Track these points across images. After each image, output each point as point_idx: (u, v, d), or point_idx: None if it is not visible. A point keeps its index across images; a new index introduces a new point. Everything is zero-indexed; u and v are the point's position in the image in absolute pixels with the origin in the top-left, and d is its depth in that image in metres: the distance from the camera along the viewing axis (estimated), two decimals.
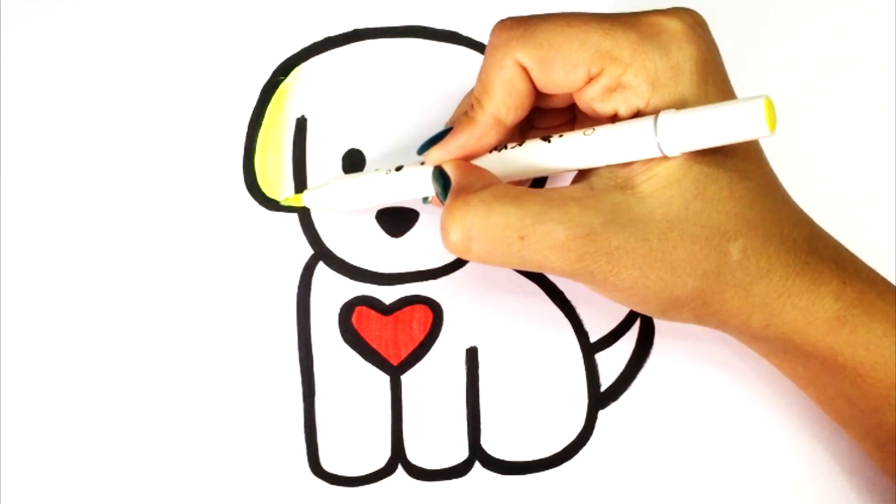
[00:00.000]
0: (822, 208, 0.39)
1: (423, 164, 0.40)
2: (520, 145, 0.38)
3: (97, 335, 0.43)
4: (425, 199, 0.42)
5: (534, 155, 0.37)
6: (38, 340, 0.43)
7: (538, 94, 0.37)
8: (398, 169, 0.41)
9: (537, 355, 0.44)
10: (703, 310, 0.37)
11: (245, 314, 0.44)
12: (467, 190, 0.36)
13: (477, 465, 0.43)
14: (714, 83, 0.36)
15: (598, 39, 0.35)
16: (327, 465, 0.43)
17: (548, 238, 0.35)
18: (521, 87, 0.37)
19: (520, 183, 0.41)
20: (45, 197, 0.44)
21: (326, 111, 0.45)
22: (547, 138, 0.37)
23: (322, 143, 0.44)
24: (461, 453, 0.43)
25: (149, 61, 0.45)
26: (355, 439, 0.43)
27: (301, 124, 0.45)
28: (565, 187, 0.36)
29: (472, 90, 0.38)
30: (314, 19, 0.45)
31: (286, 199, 0.44)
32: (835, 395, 0.39)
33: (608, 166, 0.36)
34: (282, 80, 0.45)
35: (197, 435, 0.43)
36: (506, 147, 0.38)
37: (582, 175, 0.37)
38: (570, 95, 0.38)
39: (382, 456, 0.43)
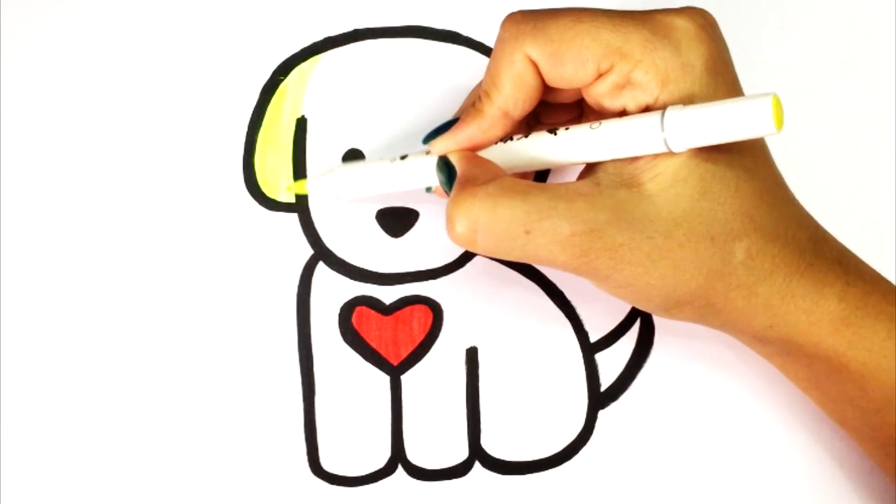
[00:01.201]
0: (823, 208, 0.39)
1: (427, 153, 0.40)
2: (525, 137, 0.38)
3: (97, 335, 0.43)
4: (428, 189, 0.42)
5: (539, 147, 0.37)
6: (39, 340, 0.43)
7: (546, 88, 0.37)
8: (402, 157, 0.41)
9: (537, 355, 0.44)
10: (706, 309, 0.37)
11: (245, 314, 0.44)
12: (473, 182, 0.36)
13: (477, 465, 0.43)
14: (724, 82, 0.36)
15: (609, 35, 0.35)
16: (327, 465, 0.43)
17: (553, 233, 0.35)
18: (530, 80, 0.37)
19: (524, 175, 0.41)
20: (45, 197, 0.44)
21: (326, 111, 0.45)
22: (553, 130, 0.37)
23: (322, 143, 0.44)
24: (461, 453, 0.43)
25: (149, 61, 0.45)
26: (355, 439, 0.43)
27: (301, 124, 0.45)
28: (571, 183, 0.36)
29: (480, 83, 0.38)
30: (314, 19, 0.45)
31: (290, 187, 0.44)
32: (837, 396, 0.39)
33: (614, 163, 0.36)
34: (282, 80, 0.45)
35: (197, 435, 0.43)
36: (511, 139, 0.38)
37: (587, 171, 0.37)
38: (579, 91, 0.38)
39: (382, 456, 0.43)
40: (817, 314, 0.37)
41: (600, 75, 0.36)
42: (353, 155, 0.44)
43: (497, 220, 0.35)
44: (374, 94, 0.45)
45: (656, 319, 0.44)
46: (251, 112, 0.45)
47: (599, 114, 0.37)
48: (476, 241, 0.36)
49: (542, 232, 0.35)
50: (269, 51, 0.45)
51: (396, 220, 0.44)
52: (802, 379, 0.40)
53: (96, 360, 0.43)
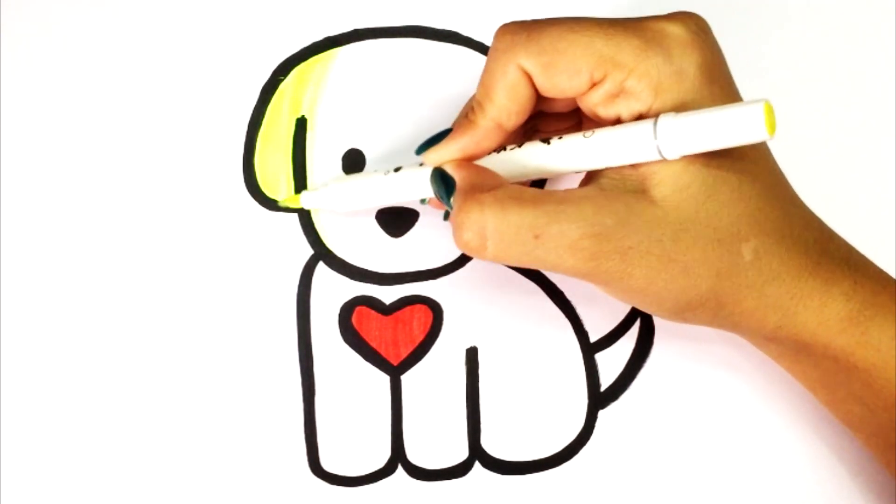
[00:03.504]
0: (823, 209, 0.39)
1: (421, 164, 0.40)
2: (519, 147, 0.38)
3: (97, 335, 0.43)
4: (423, 201, 0.42)
5: (533, 156, 0.37)
6: (39, 340, 0.43)
7: (541, 98, 0.37)
8: (397, 170, 0.41)
9: (537, 355, 0.44)
10: (718, 311, 0.37)
11: (245, 314, 0.44)
12: (478, 189, 0.36)
13: (477, 465, 0.43)
14: (719, 88, 0.36)
15: (602, 45, 0.35)
16: (327, 465, 0.43)
17: (562, 237, 0.35)
18: (524, 91, 0.37)
19: (521, 185, 0.41)
20: (45, 197, 0.44)
21: (326, 111, 0.45)
22: (547, 140, 0.37)
23: (322, 143, 0.44)
24: (461, 453, 0.43)
25: (149, 61, 0.45)
26: (355, 439, 0.43)
27: (301, 124, 0.45)
28: (576, 189, 0.36)
29: (475, 94, 0.38)
30: (314, 19, 0.45)
31: (284, 201, 0.44)
32: (845, 395, 0.39)
33: (616, 170, 0.36)
34: (282, 80, 0.45)
35: (197, 435, 0.43)
36: (505, 149, 0.38)
37: (589, 178, 0.37)
38: (574, 100, 0.38)
39: (382, 456, 0.43)
40: (826, 313, 0.37)
41: (594, 84, 0.36)
42: (354, 155, 0.44)
43: (507, 226, 0.35)
44: (374, 93, 0.45)
45: (656, 319, 0.44)
46: (251, 112, 0.45)
47: (596, 122, 0.37)
48: (486, 247, 0.36)
49: (552, 236, 0.35)
50: (269, 51, 0.45)
51: (396, 220, 0.44)
52: (810, 378, 0.40)
53: (96, 360, 0.43)
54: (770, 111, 0.33)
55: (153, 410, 0.43)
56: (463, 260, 0.44)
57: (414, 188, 0.40)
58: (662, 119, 0.34)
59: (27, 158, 0.44)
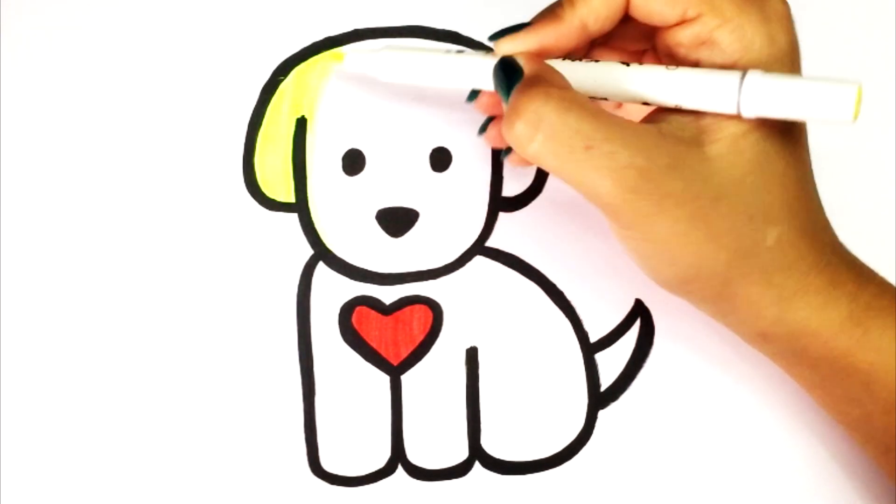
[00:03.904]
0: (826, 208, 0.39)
1: (486, 53, 0.38)
2: (595, 61, 0.37)
3: (97, 335, 0.43)
4: (472, 95, 0.41)
5: (608, 74, 0.36)
6: (39, 340, 0.43)
7: (623, 22, 0.37)
8: (459, 52, 0.39)
9: (537, 355, 0.44)
10: (722, 290, 0.36)
11: (245, 314, 0.44)
12: (546, 83, 0.35)
13: (477, 465, 0.43)
14: (797, 70, 0.36)
15: None
16: (327, 465, 0.43)
17: (612, 157, 0.34)
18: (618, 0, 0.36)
19: None
20: (45, 197, 0.44)
21: (326, 111, 0.45)
22: (626, 63, 0.36)
23: (322, 143, 0.44)
24: (461, 453, 0.43)
25: (149, 61, 0.45)
26: (355, 439, 0.43)
27: (301, 124, 0.45)
28: (636, 122, 0.35)
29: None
30: (314, 19, 0.45)
31: (325, 54, 0.43)
32: (843, 397, 0.39)
33: (678, 117, 0.35)
34: (282, 80, 0.45)
35: (197, 435, 0.43)
36: (581, 60, 0.37)
37: (650, 119, 0.37)
38: (648, 40, 0.37)
39: (382, 456, 0.43)
40: (827, 312, 0.37)
41: (684, 21, 0.35)
42: (354, 155, 0.44)
43: (563, 126, 0.34)
44: (374, 93, 0.45)
45: (656, 318, 0.44)
46: (251, 112, 0.45)
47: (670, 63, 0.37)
48: (533, 141, 0.34)
49: (602, 153, 0.34)
50: (269, 51, 0.45)
51: (396, 220, 0.44)
52: (807, 379, 0.40)
53: (96, 360, 0.43)
54: (860, 95, 0.33)
55: (153, 410, 0.43)
56: (463, 260, 0.44)
57: (471, 75, 0.38)
58: (752, 74, 0.34)
59: (27, 158, 0.44)
